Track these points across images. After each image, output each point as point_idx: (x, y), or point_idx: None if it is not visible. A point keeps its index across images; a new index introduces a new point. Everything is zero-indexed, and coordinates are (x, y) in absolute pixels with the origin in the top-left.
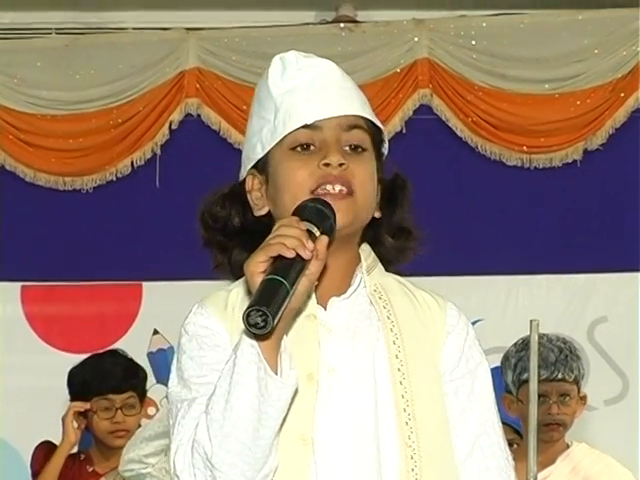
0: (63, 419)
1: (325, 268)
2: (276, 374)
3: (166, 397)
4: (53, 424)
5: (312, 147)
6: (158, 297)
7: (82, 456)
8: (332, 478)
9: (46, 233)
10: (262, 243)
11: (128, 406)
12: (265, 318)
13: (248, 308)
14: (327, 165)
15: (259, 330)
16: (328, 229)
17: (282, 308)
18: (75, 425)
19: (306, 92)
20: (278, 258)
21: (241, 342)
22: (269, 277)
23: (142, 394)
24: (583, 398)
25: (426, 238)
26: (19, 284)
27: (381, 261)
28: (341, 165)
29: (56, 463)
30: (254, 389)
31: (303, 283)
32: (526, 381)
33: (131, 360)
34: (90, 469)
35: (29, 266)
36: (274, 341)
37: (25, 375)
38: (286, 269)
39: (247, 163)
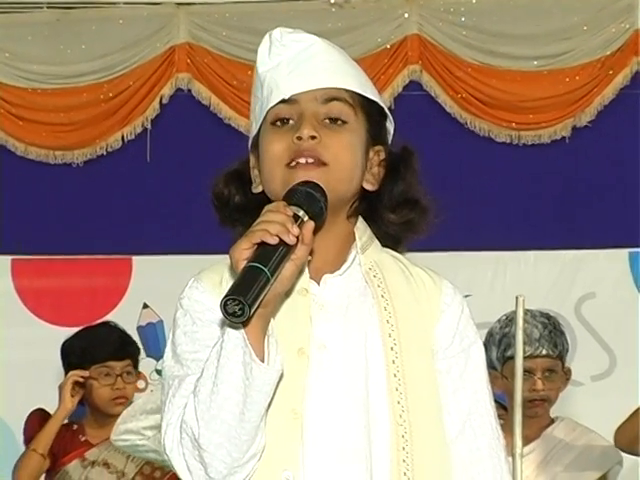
0: (61, 387)
1: (316, 245)
2: (262, 359)
3: (156, 370)
4: (43, 396)
5: (291, 121)
6: (148, 271)
7: (75, 426)
8: (320, 452)
9: (37, 207)
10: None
11: (127, 374)
12: (242, 307)
13: (225, 297)
14: (299, 139)
15: (236, 319)
16: (318, 212)
17: (261, 296)
18: (72, 393)
19: (287, 67)
20: (262, 244)
21: (228, 326)
22: (249, 265)
23: (136, 365)
24: (567, 372)
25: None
26: (9, 258)
27: (385, 238)
28: (313, 138)
29: (51, 429)
30: (240, 373)
31: (289, 268)
32: (510, 357)
33: (124, 331)
34: (83, 439)
35: (19, 240)
36: (261, 325)
37: (16, 348)
38: (268, 256)
39: (250, 142)
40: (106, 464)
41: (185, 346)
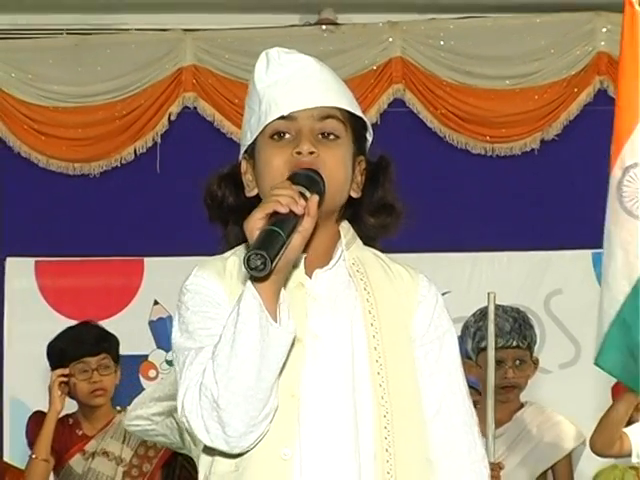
0: (49, 388)
1: (310, 243)
2: (276, 322)
3: (166, 361)
4: None
5: (288, 135)
6: (158, 271)
7: (70, 420)
8: (315, 431)
9: (58, 214)
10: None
11: (103, 367)
12: (264, 261)
13: (248, 252)
14: (299, 153)
15: (259, 272)
16: (319, 191)
17: (279, 254)
18: (59, 393)
19: (285, 85)
20: (274, 215)
21: (244, 294)
22: (267, 228)
23: (115, 357)
24: (536, 362)
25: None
26: (33, 259)
27: (365, 238)
28: (311, 153)
29: (47, 432)
30: (256, 336)
31: (297, 238)
32: (484, 348)
33: (102, 328)
34: (80, 432)
35: (42, 243)
36: (274, 292)
37: (39, 341)
38: (281, 222)
39: (242, 148)
40: (105, 453)
41: (197, 324)
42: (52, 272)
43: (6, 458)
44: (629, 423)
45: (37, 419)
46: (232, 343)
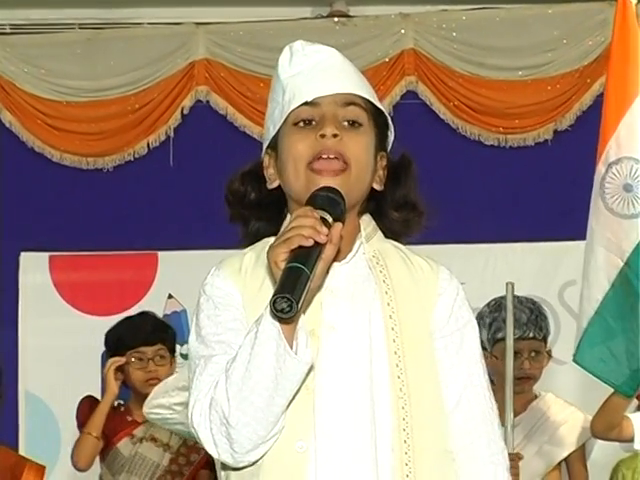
0: (105, 374)
1: None
2: (291, 348)
3: (180, 354)
4: (80, 379)
5: (313, 122)
6: (172, 265)
7: (122, 408)
8: (330, 424)
9: (71, 208)
10: (280, 233)
11: (159, 357)
12: (290, 304)
13: (274, 295)
14: (323, 136)
15: (285, 315)
16: (339, 214)
17: (304, 292)
18: (114, 379)
19: (309, 74)
20: (298, 248)
21: (263, 317)
22: (290, 265)
23: (171, 348)
24: (549, 352)
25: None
26: (47, 254)
27: (389, 232)
28: (335, 136)
29: (101, 413)
30: (272, 362)
31: (320, 266)
32: (500, 339)
33: (159, 318)
34: (130, 419)
35: (56, 238)
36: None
37: (54, 335)
38: (305, 256)
39: (264, 144)
40: (153, 439)
41: (209, 328)
42: (66, 267)
43: (21, 452)
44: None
45: (88, 402)
46: (247, 364)
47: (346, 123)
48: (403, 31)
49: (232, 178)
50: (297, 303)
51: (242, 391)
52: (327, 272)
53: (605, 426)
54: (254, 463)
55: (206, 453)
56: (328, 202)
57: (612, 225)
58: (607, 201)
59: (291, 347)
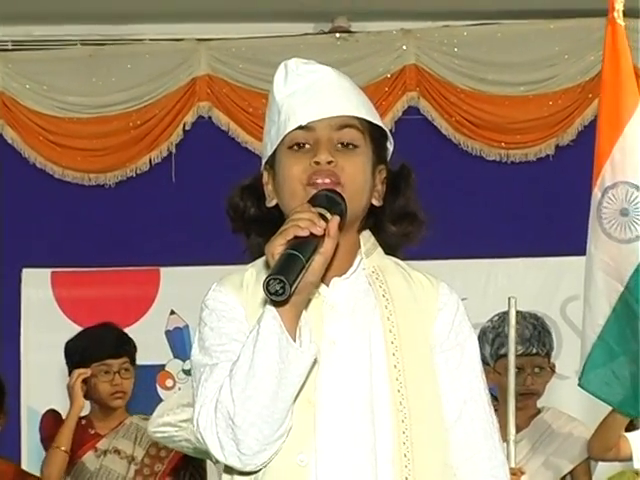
0: (71, 386)
1: None
2: (296, 343)
3: (183, 371)
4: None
5: (307, 145)
6: (174, 281)
7: (83, 421)
8: (331, 437)
9: (73, 224)
10: (279, 229)
11: (124, 370)
12: (283, 285)
13: (267, 277)
14: (317, 163)
15: (278, 297)
16: (339, 212)
17: (298, 278)
18: (81, 391)
19: (303, 96)
20: (294, 238)
21: (264, 314)
22: (286, 252)
23: (133, 361)
24: (552, 367)
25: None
26: (49, 270)
27: (387, 247)
28: (330, 162)
29: (70, 426)
30: (275, 357)
31: (318, 260)
32: (503, 355)
33: (122, 330)
34: (92, 432)
35: (58, 254)
36: (294, 314)
37: (56, 352)
38: (300, 245)
39: (263, 159)
40: (117, 451)
41: (213, 340)
42: (68, 283)
43: (23, 467)
44: (634, 429)
45: (52, 416)
46: (250, 362)
47: (340, 145)
48: (405, 47)
49: (232, 192)
50: (290, 285)
51: (246, 390)
52: (328, 285)
53: (602, 447)
54: (259, 470)
55: (178, 462)
56: (327, 200)
57: (610, 250)
58: (605, 226)
59: (294, 341)
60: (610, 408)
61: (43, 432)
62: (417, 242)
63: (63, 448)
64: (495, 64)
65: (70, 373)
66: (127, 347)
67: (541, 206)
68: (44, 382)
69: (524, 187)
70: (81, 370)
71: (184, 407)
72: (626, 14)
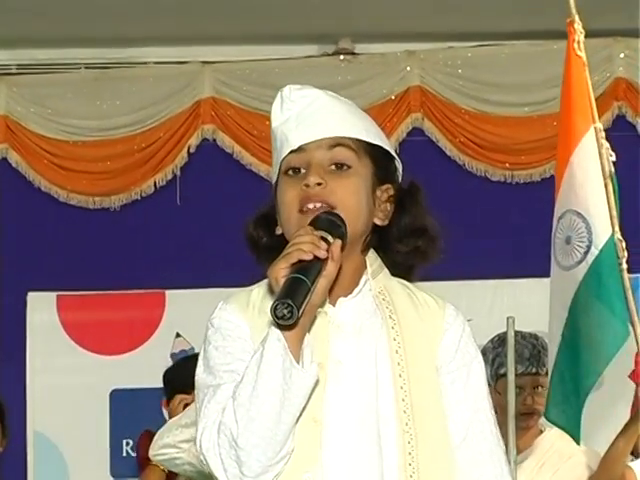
0: (173, 409)
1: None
2: (299, 365)
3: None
4: (88, 419)
5: (302, 170)
6: (179, 304)
7: None
8: (337, 456)
9: (78, 248)
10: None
11: None
12: (291, 310)
13: (275, 302)
14: (307, 186)
15: (285, 321)
16: (340, 235)
17: (305, 301)
18: None
19: (295, 120)
20: (297, 262)
21: (269, 336)
22: (291, 276)
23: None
24: None
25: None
26: (55, 294)
27: (393, 266)
28: (319, 184)
29: None
30: (279, 379)
31: (321, 283)
32: (503, 375)
33: None
34: None
35: (63, 277)
36: (299, 336)
37: (61, 375)
38: (305, 269)
39: (273, 188)
40: None
41: (217, 359)
42: (74, 306)
43: None
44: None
45: (147, 436)
46: (254, 384)
47: (333, 167)
48: (409, 68)
49: (248, 221)
50: (297, 309)
51: (250, 411)
52: (334, 305)
53: None
54: None
55: None
56: (328, 223)
57: (558, 278)
58: (557, 256)
59: (297, 362)
60: (612, 440)
61: (139, 451)
62: (433, 259)
63: (162, 467)
64: (499, 85)
65: (168, 398)
66: None
67: (546, 227)
68: (50, 406)
69: (529, 208)
70: (182, 396)
71: (183, 428)
72: (628, 34)
